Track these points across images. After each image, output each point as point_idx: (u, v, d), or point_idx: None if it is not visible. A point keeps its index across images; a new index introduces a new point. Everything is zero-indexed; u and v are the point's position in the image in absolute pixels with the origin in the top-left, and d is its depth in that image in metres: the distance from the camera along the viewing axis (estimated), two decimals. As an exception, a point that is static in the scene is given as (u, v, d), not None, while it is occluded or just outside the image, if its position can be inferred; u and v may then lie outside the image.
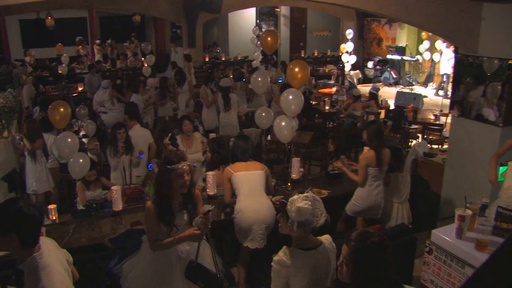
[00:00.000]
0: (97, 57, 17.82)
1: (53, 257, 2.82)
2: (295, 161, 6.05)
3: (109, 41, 19.92)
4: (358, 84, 15.64)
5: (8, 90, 11.18)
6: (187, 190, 3.68)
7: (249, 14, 19.34)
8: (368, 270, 2.53)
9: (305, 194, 2.93)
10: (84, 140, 8.22)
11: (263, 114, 7.15)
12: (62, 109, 6.45)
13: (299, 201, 2.87)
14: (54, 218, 5.20)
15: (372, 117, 9.54)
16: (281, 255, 2.97)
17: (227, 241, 5.45)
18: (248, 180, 4.86)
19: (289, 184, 5.97)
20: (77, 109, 9.54)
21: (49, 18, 18.52)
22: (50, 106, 6.68)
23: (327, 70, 16.72)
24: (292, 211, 2.88)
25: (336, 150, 6.46)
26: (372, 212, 5.49)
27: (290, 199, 2.93)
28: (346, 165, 5.76)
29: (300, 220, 2.87)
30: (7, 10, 15.47)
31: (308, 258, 2.95)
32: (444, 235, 4.09)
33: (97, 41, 19.39)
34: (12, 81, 12.62)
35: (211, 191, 5.41)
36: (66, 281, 2.81)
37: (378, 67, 17.77)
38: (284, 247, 3.01)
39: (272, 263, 3.00)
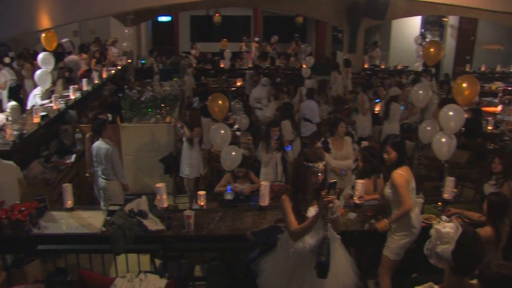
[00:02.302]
0: (255, 54, 18.39)
1: None
2: (450, 181, 5.69)
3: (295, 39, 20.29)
4: (529, 105, 14.28)
5: (174, 79, 12.04)
6: (320, 187, 3.73)
7: (414, 22, 18.59)
8: None
9: (446, 220, 2.72)
10: (237, 133, 8.51)
11: (428, 128, 6.87)
12: (220, 102, 6.76)
13: (441, 224, 2.68)
14: (202, 204, 5.40)
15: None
16: None
17: (366, 252, 5.32)
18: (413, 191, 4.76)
19: (439, 203, 5.65)
20: (232, 103, 9.92)
21: (217, 15, 19.59)
22: (210, 98, 7.02)
23: (493, 87, 15.47)
24: (432, 232, 2.71)
25: (504, 171, 5.88)
26: None
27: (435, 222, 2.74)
28: None
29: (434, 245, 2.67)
30: (182, 7, 16.70)
31: None
32: None
33: (256, 39, 20.03)
34: (179, 71, 13.57)
35: (358, 200, 5.30)
36: None
37: (558, 87, 16.00)
38: (430, 284, 2.79)
39: None
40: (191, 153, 7.23)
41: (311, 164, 3.65)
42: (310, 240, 3.72)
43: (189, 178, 7.36)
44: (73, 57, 13.04)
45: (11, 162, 5.65)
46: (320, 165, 3.66)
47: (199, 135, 7.24)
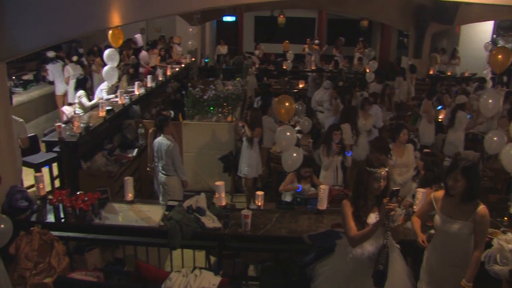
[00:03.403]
0: (315, 57, 18.28)
1: None
2: (517, 194, 5.45)
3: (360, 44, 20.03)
4: None
5: (237, 79, 12.14)
6: (381, 193, 3.70)
7: (485, 28, 17.76)
8: None
9: None
10: (298, 135, 8.48)
11: (495, 138, 6.58)
12: (287, 104, 6.72)
13: (508, 237, 2.56)
14: (259, 204, 5.39)
15: None
16: None
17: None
18: None
19: (505, 218, 5.40)
20: (296, 105, 9.90)
21: (282, 16, 19.60)
22: (276, 99, 6.99)
23: None
24: (495, 243, 2.59)
25: None
26: None
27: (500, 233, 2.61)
28: None
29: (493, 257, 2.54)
30: (248, 7, 16.82)
31: None
32: None
33: (316, 41, 19.90)
34: (241, 71, 13.67)
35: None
36: None
37: None
38: None
39: None
40: (250, 153, 7.26)
41: (373, 170, 3.63)
42: (369, 248, 3.69)
43: (247, 177, 7.40)
44: (145, 52, 13.45)
45: (18, 119, 5.90)
46: (383, 171, 3.63)
47: (259, 135, 7.27)
